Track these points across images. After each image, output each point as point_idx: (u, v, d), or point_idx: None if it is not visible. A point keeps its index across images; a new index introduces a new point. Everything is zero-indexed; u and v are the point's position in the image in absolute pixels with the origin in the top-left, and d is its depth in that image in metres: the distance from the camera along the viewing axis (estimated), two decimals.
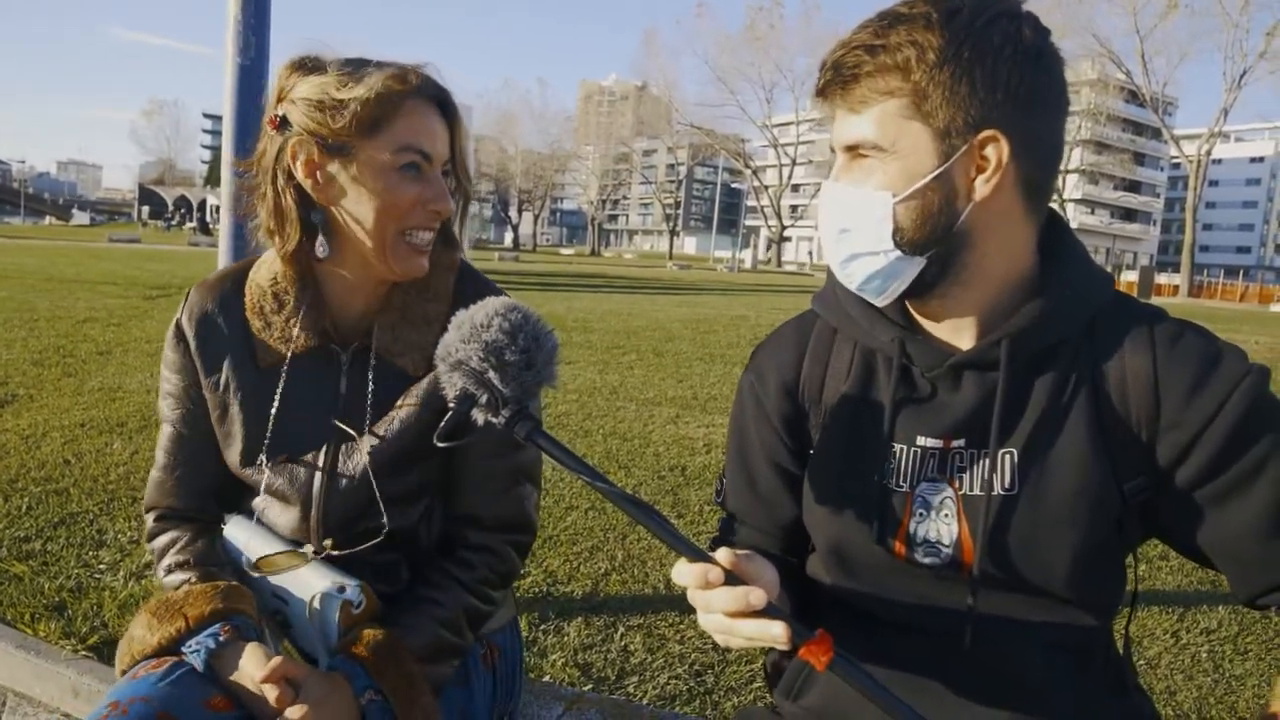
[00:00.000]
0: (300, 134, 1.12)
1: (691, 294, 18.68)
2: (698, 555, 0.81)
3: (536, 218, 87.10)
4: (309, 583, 1.15)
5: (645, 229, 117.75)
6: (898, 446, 1.00)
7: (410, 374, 1.20)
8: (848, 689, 1.02)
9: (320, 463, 1.20)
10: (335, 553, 1.18)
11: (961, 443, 0.97)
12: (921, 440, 0.99)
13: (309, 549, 1.18)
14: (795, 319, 1.15)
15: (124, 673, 1.11)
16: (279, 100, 1.14)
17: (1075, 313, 0.96)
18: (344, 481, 1.19)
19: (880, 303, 0.99)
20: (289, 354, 1.20)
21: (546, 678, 2.17)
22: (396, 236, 1.15)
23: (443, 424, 0.88)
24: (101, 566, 2.64)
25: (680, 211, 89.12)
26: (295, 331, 1.20)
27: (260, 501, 1.24)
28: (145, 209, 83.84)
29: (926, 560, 0.98)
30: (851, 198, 0.94)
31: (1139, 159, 79.97)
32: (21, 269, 13.63)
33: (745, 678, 2.22)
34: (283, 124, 1.13)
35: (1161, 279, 47.55)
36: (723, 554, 0.82)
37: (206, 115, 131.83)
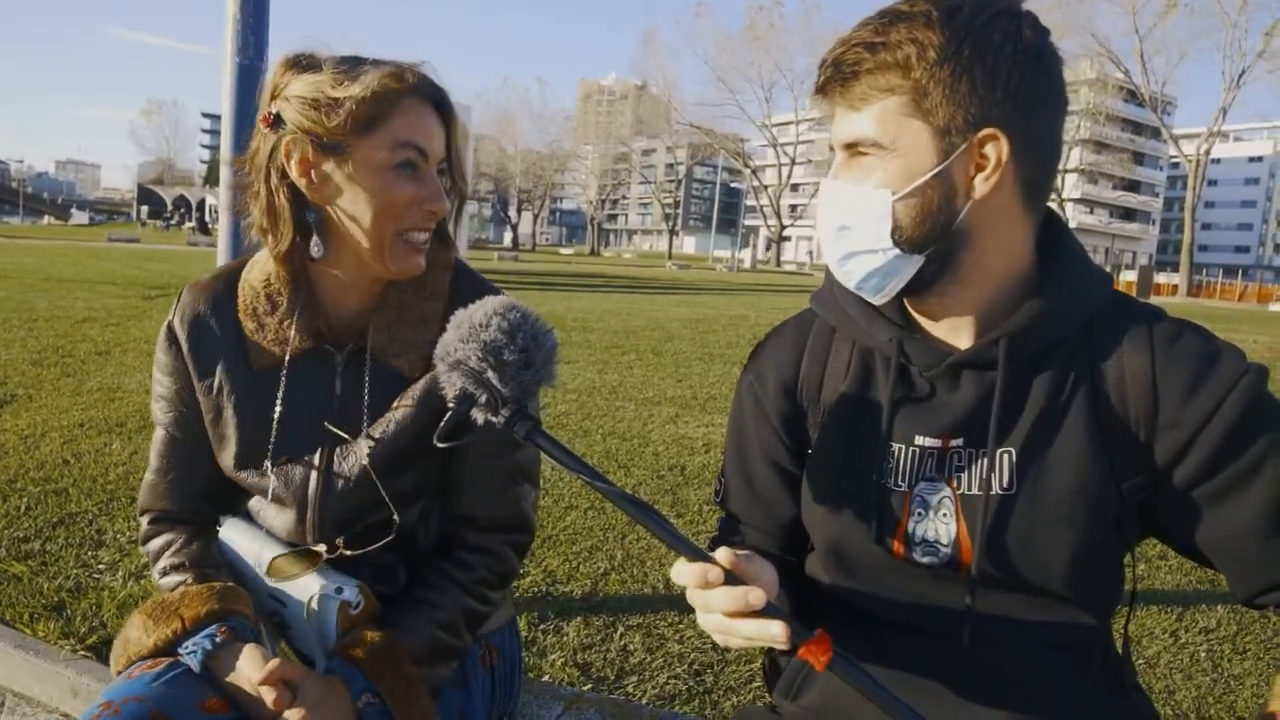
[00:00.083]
0: (294, 132, 1.10)
1: (691, 294, 18.68)
2: (697, 555, 0.81)
3: (536, 217, 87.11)
4: (306, 584, 1.15)
5: (644, 229, 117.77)
6: (896, 446, 1.00)
7: (406, 375, 1.19)
8: (846, 688, 1.02)
9: (316, 464, 1.19)
10: (349, 553, 1.17)
11: (960, 442, 0.97)
12: (920, 440, 0.99)
13: (322, 549, 1.18)
14: (794, 318, 1.15)
15: (119, 673, 1.11)
16: (273, 97, 1.13)
17: (1073, 312, 0.96)
18: (340, 483, 1.18)
19: (878, 301, 0.99)
20: (285, 356, 1.19)
21: (546, 677, 2.17)
22: (393, 236, 1.14)
23: (442, 424, 0.88)
24: (100, 566, 2.64)
25: (679, 211, 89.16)
26: (290, 333, 1.19)
27: (256, 503, 1.23)
28: (144, 209, 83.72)
29: (925, 560, 0.98)
30: (851, 195, 0.94)
31: (1138, 158, 80.00)
32: (20, 269, 13.62)
33: (744, 677, 2.22)
34: (276, 121, 1.12)
35: (1160, 278, 47.58)
36: (722, 554, 0.81)
37: (205, 115, 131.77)
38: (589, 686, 2.14)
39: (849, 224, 0.95)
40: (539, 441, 0.87)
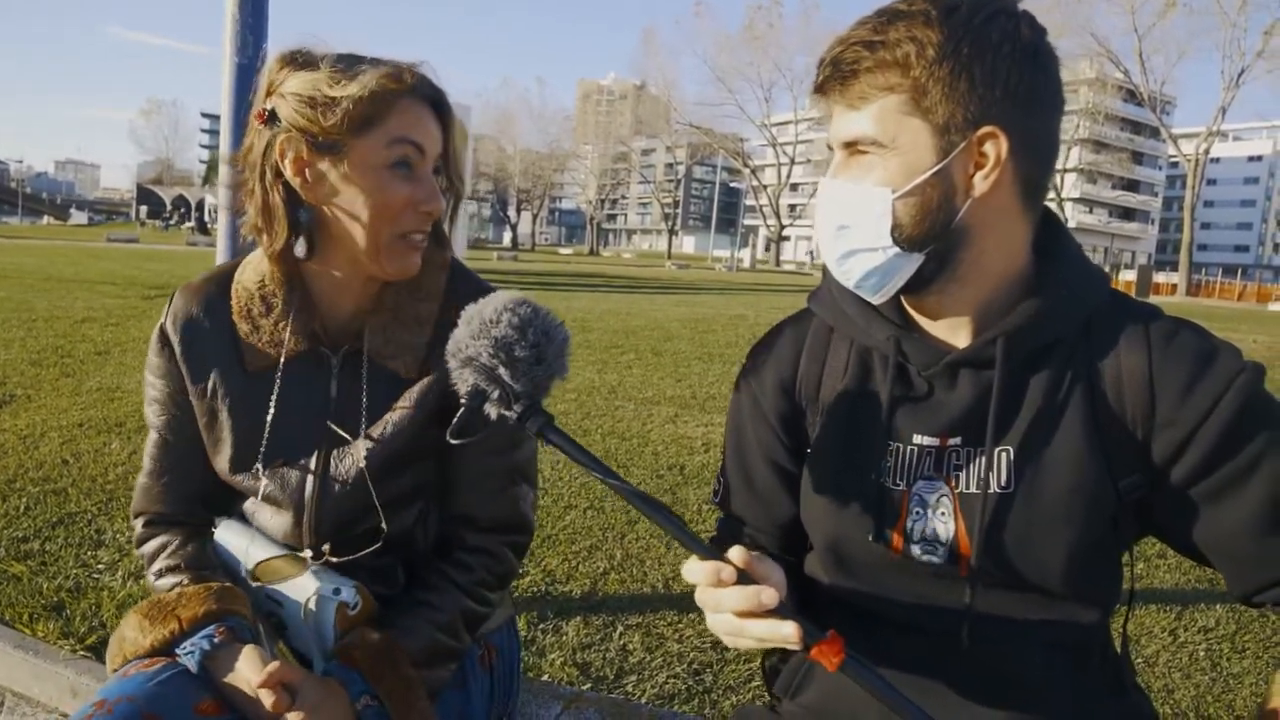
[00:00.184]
0: (289, 130, 1.09)
1: (690, 293, 18.68)
2: (709, 553, 0.81)
3: (535, 217, 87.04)
4: (303, 585, 1.14)
5: (644, 228, 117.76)
6: (894, 445, 1.00)
7: (402, 376, 1.19)
8: (845, 687, 1.02)
9: (312, 467, 1.18)
10: (334, 559, 1.17)
11: (958, 441, 0.97)
12: (918, 438, 0.99)
13: (307, 555, 1.17)
14: (791, 318, 1.15)
15: (115, 671, 1.10)
16: (268, 93, 1.12)
17: (1071, 312, 0.96)
18: (337, 486, 1.17)
19: (877, 300, 0.99)
20: (281, 359, 1.18)
21: (545, 677, 2.17)
22: (390, 237, 1.13)
23: (455, 421, 0.88)
24: (100, 566, 2.64)
25: (679, 211, 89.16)
26: (285, 335, 1.18)
27: (251, 505, 1.22)
28: (143, 209, 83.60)
29: (923, 558, 0.98)
30: (850, 194, 0.94)
31: (1137, 158, 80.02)
32: (20, 269, 13.61)
33: (744, 676, 2.22)
34: (271, 118, 1.10)
35: (1160, 278, 47.62)
36: (735, 552, 0.81)
37: (205, 115, 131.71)
38: (588, 686, 2.14)
39: (848, 223, 0.95)
40: (552, 437, 0.87)
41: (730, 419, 1.17)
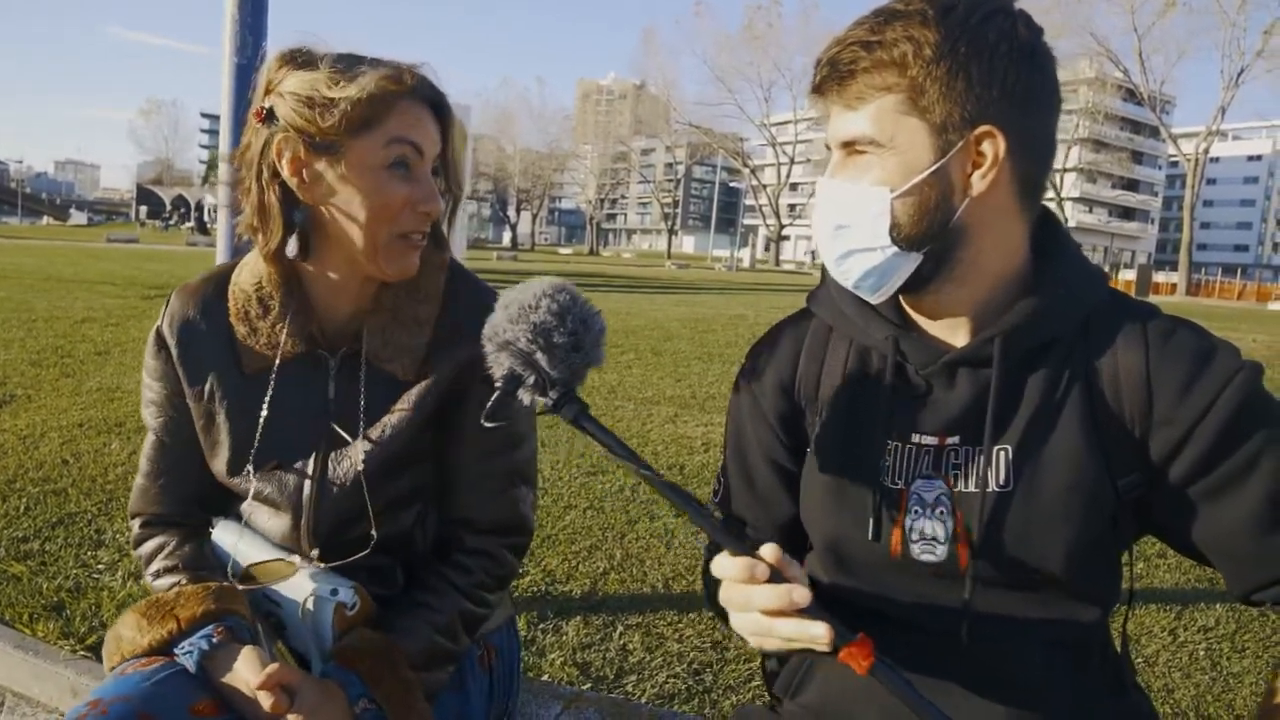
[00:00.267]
0: (286, 130, 1.08)
1: (690, 293, 18.68)
2: (741, 549, 0.81)
3: (535, 217, 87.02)
4: (301, 585, 1.14)
5: (643, 228, 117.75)
6: (893, 444, 1.00)
7: (400, 379, 1.18)
8: (845, 687, 1.02)
9: (310, 470, 1.18)
10: (321, 565, 1.16)
11: (956, 440, 0.97)
12: (916, 437, 0.99)
13: (297, 558, 1.16)
14: (791, 318, 1.15)
15: (112, 669, 1.10)
16: (267, 92, 1.11)
17: (1068, 311, 0.96)
18: (334, 489, 1.17)
19: (875, 300, 0.99)
20: (276, 360, 1.18)
21: (545, 677, 2.17)
22: (388, 237, 1.12)
23: (489, 405, 0.87)
24: (100, 566, 2.64)
25: (678, 211, 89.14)
26: (282, 337, 1.17)
27: (248, 507, 1.21)
28: (143, 209, 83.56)
29: (922, 557, 0.98)
30: (848, 194, 0.94)
31: (1137, 157, 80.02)
32: (19, 269, 13.61)
33: (744, 676, 2.22)
34: (269, 116, 1.10)
35: (1159, 277, 47.66)
36: (768, 549, 0.81)
37: (204, 115, 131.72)
38: (588, 686, 2.14)
39: (846, 222, 0.95)
40: (586, 425, 0.86)
41: (730, 419, 1.17)
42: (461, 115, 1.22)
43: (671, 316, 11.60)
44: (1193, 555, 0.97)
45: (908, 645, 1.00)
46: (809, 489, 1.06)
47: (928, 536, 0.98)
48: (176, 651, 1.08)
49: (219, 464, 1.20)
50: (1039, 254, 0.99)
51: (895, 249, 0.93)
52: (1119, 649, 1.05)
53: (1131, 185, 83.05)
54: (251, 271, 1.20)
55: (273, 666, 1.02)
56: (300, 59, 1.10)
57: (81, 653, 2.12)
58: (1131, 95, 50.06)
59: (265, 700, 1.00)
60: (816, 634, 0.78)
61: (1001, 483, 0.95)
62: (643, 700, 2.09)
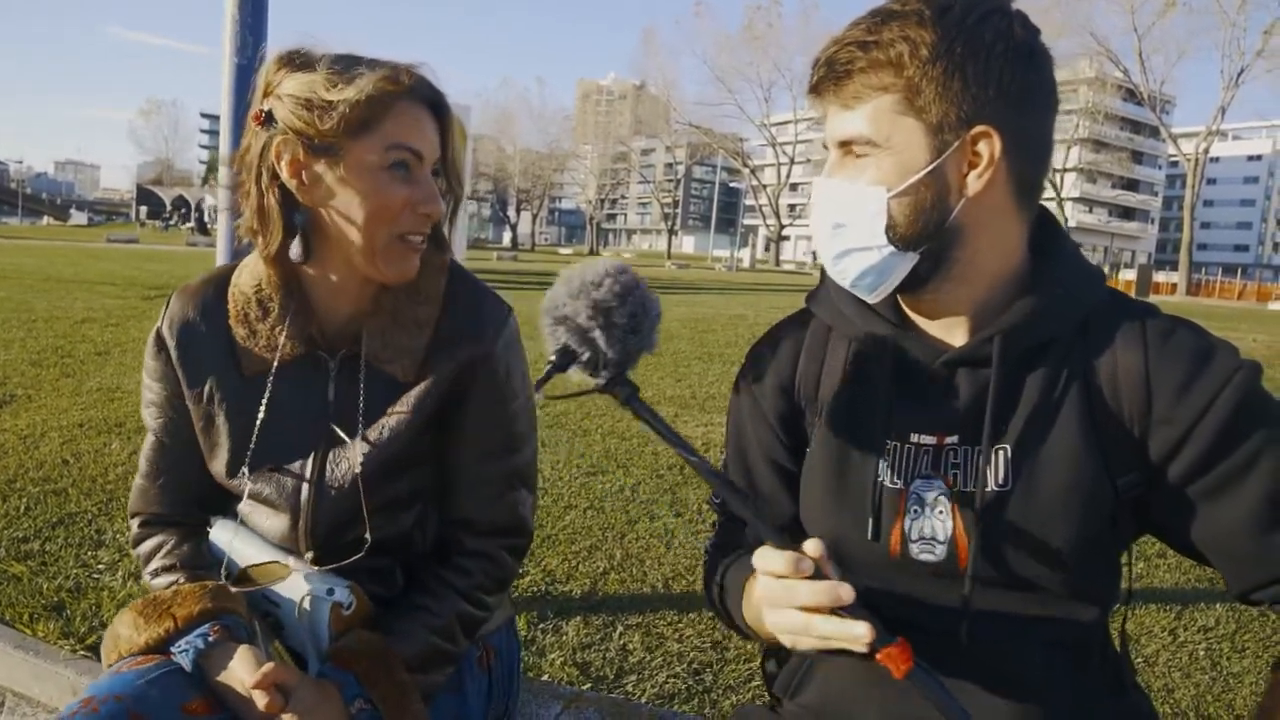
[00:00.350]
0: (285, 132, 1.08)
1: (690, 293, 18.67)
2: (786, 543, 0.81)
3: (535, 217, 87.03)
4: (297, 585, 1.14)
5: (643, 228, 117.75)
6: (891, 443, 1.00)
7: (400, 380, 1.18)
8: (845, 687, 1.02)
9: (308, 471, 1.18)
10: (315, 569, 1.16)
11: (955, 439, 0.98)
12: (915, 437, 0.99)
13: (293, 560, 1.16)
14: (790, 318, 1.15)
15: (110, 668, 1.10)
16: (265, 94, 1.11)
17: (1067, 310, 0.96)
18: (332, 491, 1.17)
19: (873, 299, 1.00)
20: (275, 362, 1.18)
21: (545, 677, 2.17)
22: (387, 238, 1.12)
23: (539, 378, 0.87)
24: (100, 566, 2.64)
25: (678, 211, 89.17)
26: (281, 339, 1.17)
27: (245, 508, 1.21)
28: (143, 209, 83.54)
29: (921, 557, 0.98)
30: (845, 193, 0.94)
31: (1137, 157, 80.00)
32: (19, 269, 13.61)
33: (744, 676, 2.22)
34: (268, 119, 1.10)
35: (1160, 277, 47.67)
36: (812, 545, 0.81)
37: (204, 115, 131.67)
38: (588, 686, 2.14)
39: (843, 221, 0.95)
40: (637, 408, 0.87)
41: (730, 420, 1.17)
42: (461, 115, 1.22)
43: (671, 316, 11.59)
44: (1191, 555, 0.97)
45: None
46: (808, 489, 1.06)
47: (927, 536, 0.98)
48: (173, 650, 1.08)
49: (218, 465, 1.20)
50: (1037, 254, 0.99)
51: (892, 248, 0.93)
52: (1118, 648, 1.05)
53: (1131, 185, 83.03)
54: (251, 273, 1.20)
55: (268, 666, 1.02)
56: (298, 61, 1.10)
57: (82, 653, 2.12)
58: (1131, 95, 50.02)
59: (260, 699, 1.00)
60: (858, 633, 0.77)
61: (1000, 482, 0.95)
62: (643, 700, 2.09)
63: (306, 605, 1.13)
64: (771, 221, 60.37)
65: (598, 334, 0.86)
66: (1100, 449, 0.93)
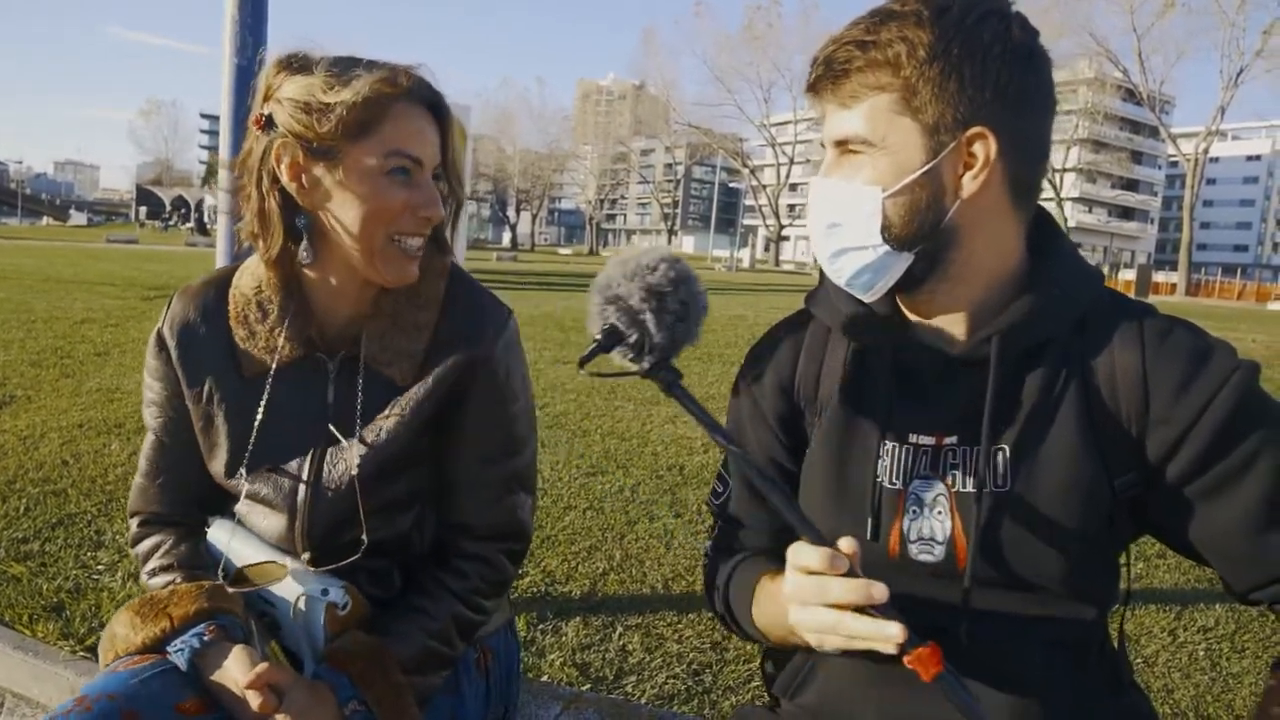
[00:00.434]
0: (285, 135, 1.09)
1: None
2: (821, 539, 0.81)
3: (534, 217, 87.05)
4: (293, 585, 1.15)
5: (643, 228, 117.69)
6: (890, 444, 1.00)
7: (398, 383, 1.18)
8: (845, 688, 1.02)
9: (305, 472, 1.18)
10: (312, 570, 1.17)
11: (954, 440, 0.98)
12: (914, 437, 0.99)
13: (289, 560, 1.17)
14: (790, 318, 1.15)
15: (106, 667, 1.10)
16: (265, 99, 1.11)
17: (1064, 310, 0.96)
18: (329, 492, 1.17)
19: (869, 299, 1.00)
20: (274, 364, 1.18)
21: (544, 677, 2.17)
22: (385, 242, 1.12)
23: (583, 355, 0.88)
24: (100, 567, 2.64)
25: (678, 211, 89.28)
26: (280, 341, 1.18)
27: (243, 508, 1.21)
28: (143, 209, 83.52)
29: (920, 557, 0.98)
30: (841, 192, 0.94)
31: (1136, 157, 79.99)
32: (19, 270, 13.61)
33: (743, 676, 2.22)
34: (268, 123, 1.10)
35: (1159, 277, 47.70)
36: (845, 542, 0.81)
37: (204, 115, 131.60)
38: (588, 686, 2.14)
39: (839, 221, 0.95)
40: (678, 394, 0.87)
41: (730, 420, 1.17)
42: (461, 115, 1.22)
43: None
44: (1190, 555, 0.97)
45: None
46: (808, 489, 1.06)
47: (926, 537, 0.98)
48: (168, 649, 1.08)
49: (217, 465, 1.21)
50: (1035, 254, 0.99)
51: (887, 248, 0.93)
52: (1116, 647, 1.06)
53: (1131, 185, 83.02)
54: (252, 276, 1.21)
55: (262, 666, 1.02)
56: (297, 64, 1.11)
57: (81, 653, 2.12)
58: (1131, 95, 50.00)
59: (253, 699, 1.00)
60: (891, 633, 0.77)
61: (999, 482, 0.95)
62: (642, 701, 2.09)
63: (301, 605, 1.13)
64: (771, 222, 60.39)
65: (648, 317, 0.86)
66: (1098, 449, 0.93)
